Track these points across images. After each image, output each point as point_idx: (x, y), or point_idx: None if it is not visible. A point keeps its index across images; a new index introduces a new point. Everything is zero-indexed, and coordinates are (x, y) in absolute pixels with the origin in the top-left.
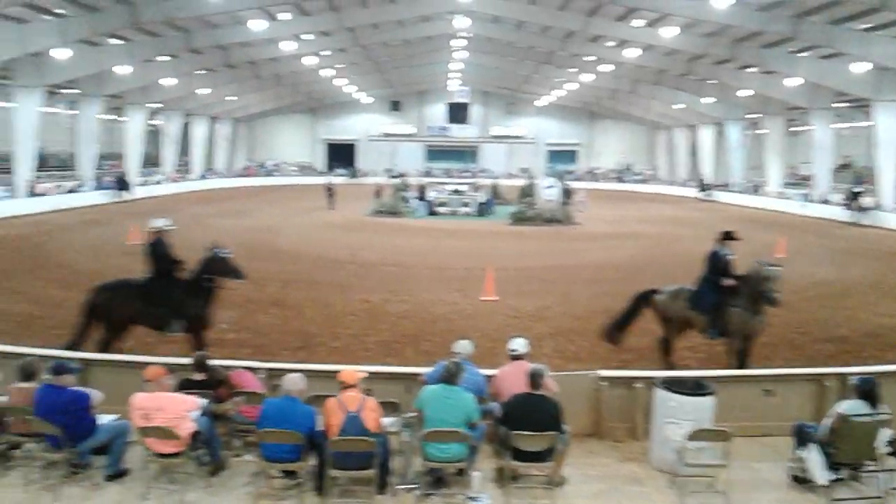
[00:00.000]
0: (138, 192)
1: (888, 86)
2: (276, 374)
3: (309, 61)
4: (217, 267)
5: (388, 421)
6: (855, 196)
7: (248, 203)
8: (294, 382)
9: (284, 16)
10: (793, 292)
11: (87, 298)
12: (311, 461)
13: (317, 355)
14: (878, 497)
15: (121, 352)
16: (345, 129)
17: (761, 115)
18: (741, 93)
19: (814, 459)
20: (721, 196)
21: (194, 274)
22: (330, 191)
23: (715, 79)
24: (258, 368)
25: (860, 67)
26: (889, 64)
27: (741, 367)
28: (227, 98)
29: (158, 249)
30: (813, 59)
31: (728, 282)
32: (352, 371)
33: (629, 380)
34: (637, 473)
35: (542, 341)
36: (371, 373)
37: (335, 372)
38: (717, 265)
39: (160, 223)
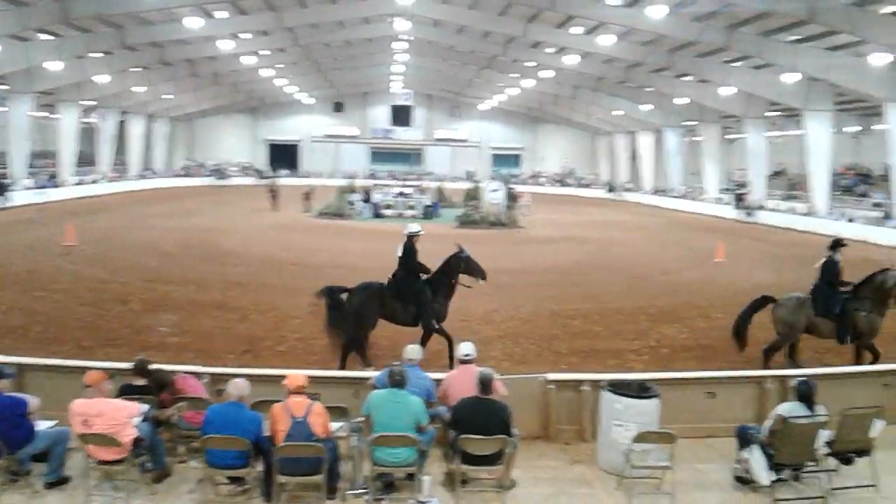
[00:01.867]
0: (68, 193)
1: (817, 96)
2: (220, 378)
3: (247, 60)
4: (460, 266)
5: (336, 426)
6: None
7: (190, 203)
8: (239, 388)
9: (221, 14)
10: (733, 295)
11: (345, 305)
12: (258, 467)
13: (262, 360)
14: (820, 497)
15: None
16: (287, 129)
17: (698, 123)
18: (678, 100)
19: (756, 460)
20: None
21: (438, 273)
22: (273, 192)
23: (652, 86)
24: (201, 373)
25: (790, 78)
26: (817, 75)
27: (876, 360)
28: (163, 96)
29: (410, 252)
30: (746, 69)
31: (845, 288)
32: (298, 375)
33: (576, 382)
34: (585, 475)
35: (490, 344)
36: (319, 377)
37: (281, 377)
38: (833, 272)
39: (413, 229)
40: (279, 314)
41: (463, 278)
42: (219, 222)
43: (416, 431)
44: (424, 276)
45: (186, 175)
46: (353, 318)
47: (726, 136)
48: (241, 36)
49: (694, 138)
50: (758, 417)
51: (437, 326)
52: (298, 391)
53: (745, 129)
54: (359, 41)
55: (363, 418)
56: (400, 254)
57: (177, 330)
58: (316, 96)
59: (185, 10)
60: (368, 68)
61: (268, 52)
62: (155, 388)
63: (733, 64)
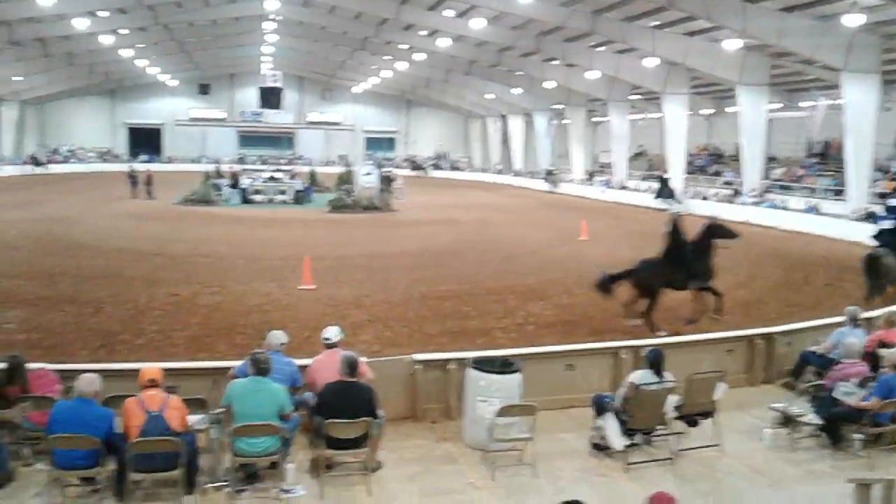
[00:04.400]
0: None
1: (674, 79)
2: (69, 375)
3: (105, 40)
4: (715, 232)
5: (195, 418)
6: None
7: (41, 192)
8: (88, 383)
9: None
10: (588, 271)
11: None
12: (111, 466)
13: (119, 354)
14: (669, 458)
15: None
16: (149, 112)
17: (565, 106)
18: (546, 84)
19: (610, 427)
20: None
21: (698, 240)
22: (133, 178)
23: (522, 70)
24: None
25: (651, 62)
26: (675, 59)
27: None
28: (13, 78)
29: (677, 230)
30: (610, 54)
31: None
32: (151, 368)
33: (443, 362)
34: (451, 452)
35: (361, 328)
36: (176, 369)
37: (137, 371)
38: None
39: (678, 209)
40: (138, 306)
41: (720, 242)
42: (72, 212)
43: (280, 419)
44: (689, 247)
45: (35, 163)
46: (643, 290)
47: (592, 119)
48: (98, 14)
49: (563, 121)
50: (613, 386)
51: (707, 284)
52: (152, 385)
53: (610, 112)
54: (225, 20)
55: (223, 409)
56: (667, 230)
57: (25, 326)
58: (180, 78)
59: None
60: (236, 49)
61: (127, 31)
62: (4, 381)
63: (598, 48)
